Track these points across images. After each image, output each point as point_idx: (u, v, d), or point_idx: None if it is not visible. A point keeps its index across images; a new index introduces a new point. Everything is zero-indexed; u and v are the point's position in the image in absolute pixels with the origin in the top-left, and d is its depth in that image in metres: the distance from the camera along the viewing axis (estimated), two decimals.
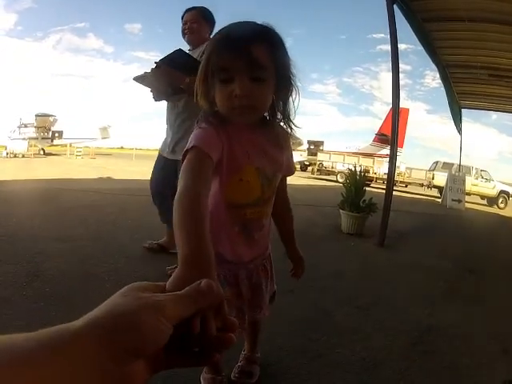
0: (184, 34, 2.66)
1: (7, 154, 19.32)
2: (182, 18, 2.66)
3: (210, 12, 2.68)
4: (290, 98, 0.95)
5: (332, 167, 20.16)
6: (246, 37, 0.83)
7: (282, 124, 1.00)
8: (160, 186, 2.77)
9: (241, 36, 0.83)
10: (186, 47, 2.67)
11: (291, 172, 1.17)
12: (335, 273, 2.92)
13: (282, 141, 1.04)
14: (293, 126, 1.00)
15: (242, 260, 1.10)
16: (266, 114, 0.99)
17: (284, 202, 1.22)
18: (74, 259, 2.61)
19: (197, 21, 2.61)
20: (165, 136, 2.81)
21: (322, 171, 20.64)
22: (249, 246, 1.09)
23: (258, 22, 0.87)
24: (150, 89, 2.54)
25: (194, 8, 2.65)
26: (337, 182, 15.36)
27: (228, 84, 0.85)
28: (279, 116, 0.97)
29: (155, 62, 2.40)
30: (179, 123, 2.59)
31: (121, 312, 0.31)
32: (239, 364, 1.45)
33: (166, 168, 2.71)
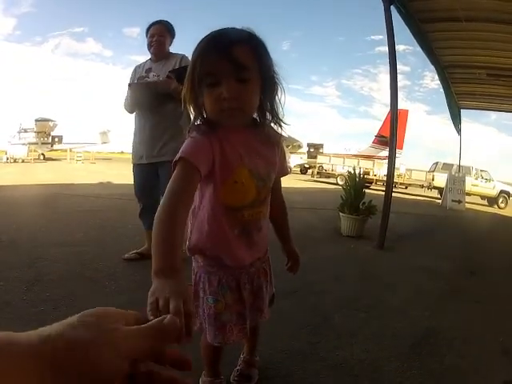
0: (150, 47, 2.76)
1: (7, 159, 19.39)
2: (148, 31, 2.77)
3: (172, 25, 2.83)
4: (277, 97, 0.98)
5: (332, 170, 20.15)
6: (227, 41, 0.87)
7: (272, 125, 1.03)
8: (144, 192, 2.82)
9: (223, 40, 0.88)
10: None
11: (285, 172, 1.18)
12: (335, 276, 2.92)
13: (274, 141, 1.06)
14: (282, 125, 1.03)
15: (242, 264, 1.11)
16: (256, 117, 1.02)
17: (279, 203, 1.23)
18: (74, 264, 2.62)
19: (163, 34, 2.76)
20: (135, 142, 2.84)
21: (322, 174, 20.62)
22: (249, 248, 1.10)
23: (238, 27, 0.91)
24: (132, 96, 2.69)
25: (159, 22, 2.78)
26: (337, 184, 15.34)
27: (215, 88, 0.88)
28: (268, 116, 1.00)
29: (168, 72, 2.57)
30: (164, 128, 2.64)
31: (75, 338, 0.29)
32: (238, 367, 1.45)
33: (144, 172, 2.76)
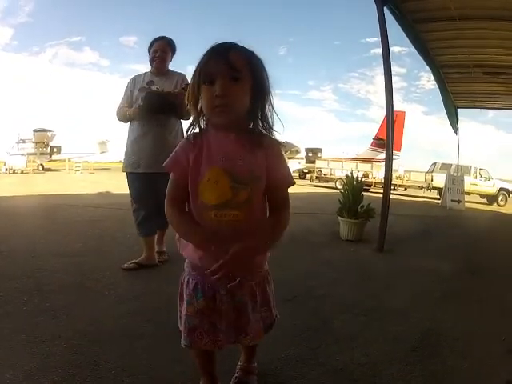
0: (153, 61, 2.83)
1: (6, 169, 19.42)
2: (151, 46, 2.83)
3: (174, 42, 2.92)
4: (267, 106, 1.07)
5: (331, 174, 20.15)
6: (225, 48, 1.02)
7: (265, 132, 1.09)
8: (142, 200, 2.82)
9: (221, 48, 1.02)
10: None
11: (285, 181, 1.11)
12: (334, 280, 2.92)
13: (266, 147, 1.07)
14: (274, 132, 1.10)
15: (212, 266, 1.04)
16: (250, 125, 1.08)
17: (277, 212, 1.12)
18: (73, 274, 2.62)
19: (165, 50, 2.84)
20: (132, 150, 2.83)
21: (321, 178, 20.60)
22: (223, 253, 1.02)
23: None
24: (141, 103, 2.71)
25: (162, 38, 2.85)
26: (336, 188, 15.33)
27: (211, 86, 1.00)
28: (259, 123, 1.07)
29: (185, 85, 2.60)
30: (167, 140, 2.67)
31: None
32: (236, 375, 1.41)
33: (140, 180, 2.77)
